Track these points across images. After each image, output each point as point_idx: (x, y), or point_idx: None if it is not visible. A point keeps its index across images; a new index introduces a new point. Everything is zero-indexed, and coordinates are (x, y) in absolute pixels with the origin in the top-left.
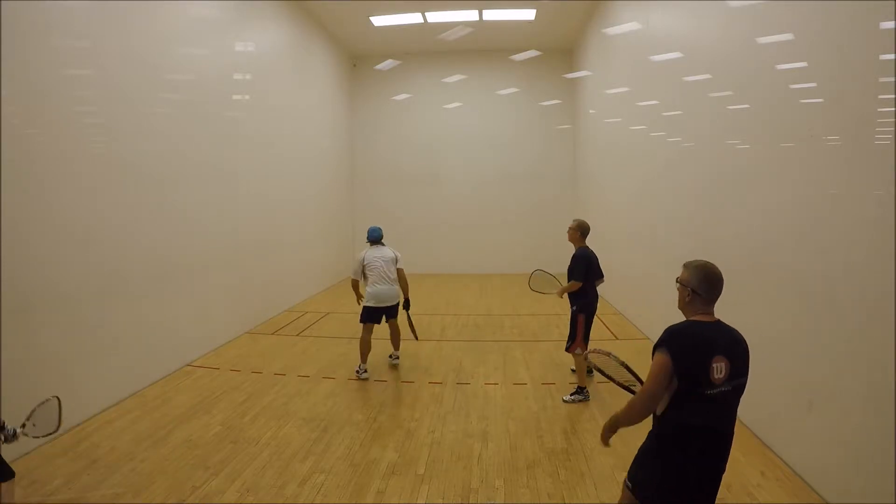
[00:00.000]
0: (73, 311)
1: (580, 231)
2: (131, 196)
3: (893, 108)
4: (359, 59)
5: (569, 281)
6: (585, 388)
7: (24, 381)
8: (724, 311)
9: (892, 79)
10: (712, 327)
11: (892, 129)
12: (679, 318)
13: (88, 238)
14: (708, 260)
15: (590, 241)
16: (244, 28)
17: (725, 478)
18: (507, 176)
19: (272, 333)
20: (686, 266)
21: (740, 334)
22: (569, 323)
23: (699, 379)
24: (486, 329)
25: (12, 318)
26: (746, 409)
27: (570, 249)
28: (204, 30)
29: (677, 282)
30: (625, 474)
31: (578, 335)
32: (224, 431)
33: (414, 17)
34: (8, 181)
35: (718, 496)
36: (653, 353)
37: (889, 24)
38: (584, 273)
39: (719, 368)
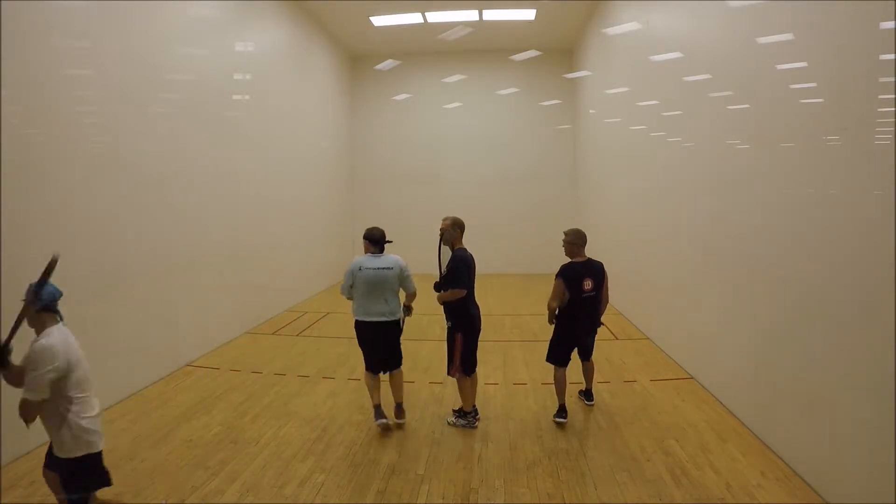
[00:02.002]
0: (73, 310)
1: (458, 228)
2: (131, 196)
3: (893, 108)
4: (359, 59)
5: (446, 289)
6: (470, 412)
7: None
8: (725, 310)
9: (892, 79)
10: (584, 263)
11: (892, 129)
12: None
13: (88, 238)
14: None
15: (590, 242)
16: (244, 28)
17: (726, 478)
18: (507, 176)
19: (272, 333)
20: (567, 233)
21: (599, 264)
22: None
23: (577, 289)
24: (486, 329)
25: (12, 318)
26: (747, 409)
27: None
28: (204, 30)
29: (565, 242)
30: (625, 474)
31: (455, 357)
32: (224, 431)
33: (414, 17)
34: (8, 181)
35: (718, 496)
36: (556, 278)
37: (889, 24)
38: (466, 279)
39: (587, 284)
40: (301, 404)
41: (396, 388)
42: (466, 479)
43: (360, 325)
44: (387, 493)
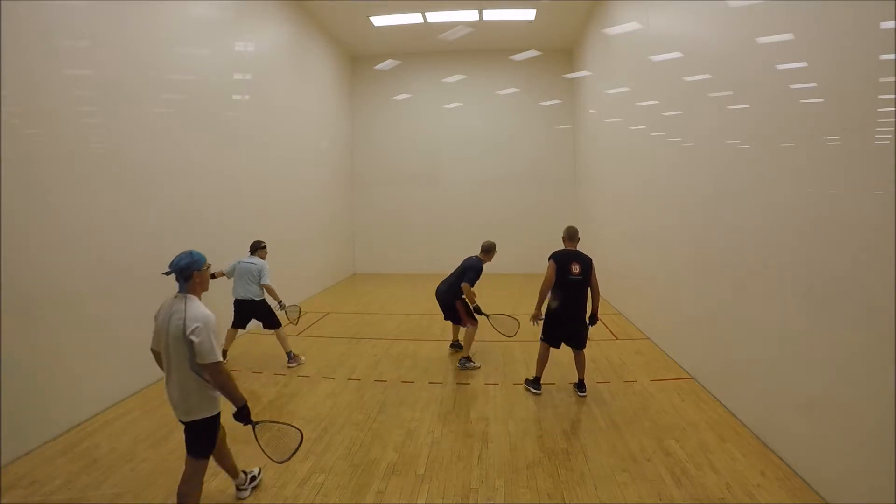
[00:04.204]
0: (74, 310)
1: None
2: (131, 196)
3: (893, 108)
4: (359, 59)
5: None
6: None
7: (25, 381)
8: (725, 309)
9: (892, 79)
10: (572, 251)
11: (892, 129)
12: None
13: (89, 238)
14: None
15: (588, 241)
16: (244, 28)
17: (726, 478)
18: (507, 176)
19: (272, 333)
20: (564, 232)
21: (587, 256)
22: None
23: (566, 272)
24: (487, 329)
25: (13, 318)
26: (747, 409)
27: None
28: (204, 30)
29: (563, 238)
30: (625, 474)
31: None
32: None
33: (414, 17)
34: (8, 181)
35: (718, 497)
36: (548, 262)
37: (889, 24)
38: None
39: (574, 268)
40: (301, 404)
41: (283, 339)
42: (466, 479)
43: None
44: (387, 493)
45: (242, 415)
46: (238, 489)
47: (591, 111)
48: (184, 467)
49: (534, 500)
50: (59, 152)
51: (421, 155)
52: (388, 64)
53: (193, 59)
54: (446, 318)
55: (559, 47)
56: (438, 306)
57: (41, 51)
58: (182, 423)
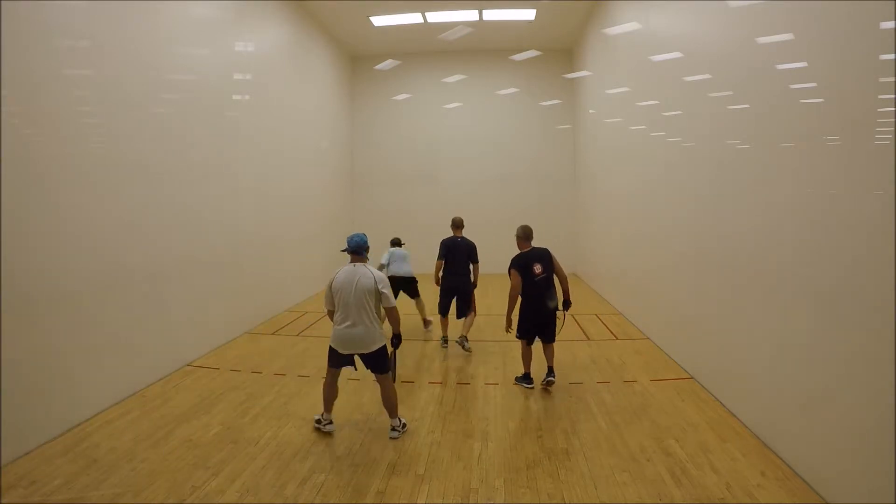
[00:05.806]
0: (73, 310)
1: (453, 224)
2: (131, 196)
3: (893, 108)
4: (359, 59)
5: None
6: (441, 338)
7: (25, 381)
8: (725, 309)
9: (892, 79)
10: (530, 251)
11: (892, 129)
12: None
13: (88, 238)
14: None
15: (588, 241)
16: (244, 28)
17: (726, 478)
18: (507, 176)
19: (272, 333)
20: (516, 230)
21: (544, 249)
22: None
23: (529, 274)
24: (486, 329)
25: (12, 318)
26: (747, 409)
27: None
28: (204, 30)
29: (516, 237)
30: (625, 474)
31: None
32: (224, 431)
33: (414, 17)
34: (8, 181)
35: (718, 496)
36: (509, 271)
37: (889, 24)
38: (442, 253)
39: (537, 268)
40: (301, 404)
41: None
42: (466, 479)
43: None
44: (387, 493)
45: (398, 339)
46: (392, 429)
47: (591, 111)
48: (380, 387)
49: (534, 500)
50: (59, 152)
51: (421, 155)
52: (388, 64)
53: (193, 59)
54: (446, 314)
55: (559, 47)
56: (449, 300)
57: (41, 51)
58: (359, 355)
